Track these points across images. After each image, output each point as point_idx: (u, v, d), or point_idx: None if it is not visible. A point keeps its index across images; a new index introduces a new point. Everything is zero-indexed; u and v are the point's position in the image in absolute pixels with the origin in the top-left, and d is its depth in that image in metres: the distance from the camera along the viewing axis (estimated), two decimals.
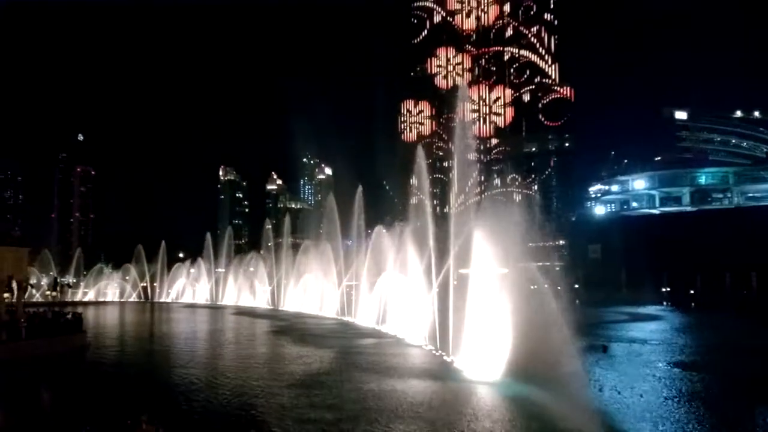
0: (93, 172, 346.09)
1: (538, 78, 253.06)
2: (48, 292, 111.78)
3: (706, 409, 25.61)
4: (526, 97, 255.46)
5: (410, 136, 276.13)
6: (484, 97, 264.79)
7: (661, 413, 24.78)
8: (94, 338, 51.04)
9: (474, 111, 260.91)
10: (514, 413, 23.89)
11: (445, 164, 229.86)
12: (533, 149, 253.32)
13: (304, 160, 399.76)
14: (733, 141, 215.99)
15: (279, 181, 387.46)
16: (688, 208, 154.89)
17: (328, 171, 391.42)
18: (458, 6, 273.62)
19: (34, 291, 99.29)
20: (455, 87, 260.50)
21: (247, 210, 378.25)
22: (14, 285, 47.20)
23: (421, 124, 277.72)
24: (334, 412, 24.09)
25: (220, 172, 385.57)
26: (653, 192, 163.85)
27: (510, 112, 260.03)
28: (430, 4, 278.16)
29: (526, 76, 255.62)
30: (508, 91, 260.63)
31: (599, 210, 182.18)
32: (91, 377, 35.62)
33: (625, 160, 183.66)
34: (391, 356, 40.84)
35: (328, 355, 41.69)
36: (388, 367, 36.14)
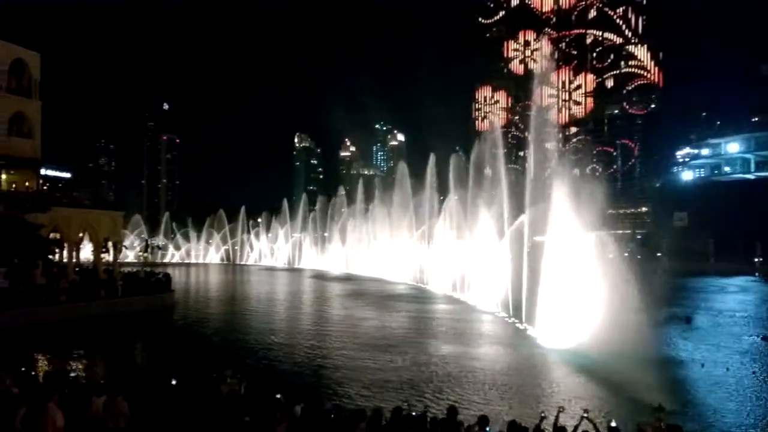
0: (177, 140, 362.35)
1: (623, 62, 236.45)
2: (140, 254, 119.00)
3: None
4: (610, 83, 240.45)
5: (484, 115, 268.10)
6: (564, 81, 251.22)
7: (749, 388, 23.59)
8: (182, 297, 54.25)
9: (553, 96, 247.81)
10: (590, 383, 23.44)
11: (521, 153, 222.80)
12: (615, 111, 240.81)
13: (377, 126, 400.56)
14: None
15: (352, 148, 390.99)
16: None
17: (401, 137, 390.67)
18: None
19: (127, 252, 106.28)
20: (532, 71, 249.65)
21: (321, 177, 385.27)
22: (110, 246, 50.68)
23: (496, 103, 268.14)
24: (406, 374, 24.55)
25: (295, 139, 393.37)
26: (748, 156, 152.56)
27: (591, 99, 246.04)
28: None
29: (610, 60, 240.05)
30: (590, 77, 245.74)
31: (687, 175, 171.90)
32: (180, 333, 38.02)
33: (718, 122, 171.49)
34: (464, 322, 40.96)
35: (400, 319, 42.32)
36: (460, 332, 36.31)
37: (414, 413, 11.92)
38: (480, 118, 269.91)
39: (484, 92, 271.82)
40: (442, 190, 78.19)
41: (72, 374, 16.37)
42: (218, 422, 11.21)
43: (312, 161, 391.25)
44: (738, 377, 25.28)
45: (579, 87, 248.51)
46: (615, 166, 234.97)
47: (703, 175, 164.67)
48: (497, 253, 48.29)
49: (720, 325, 40.87)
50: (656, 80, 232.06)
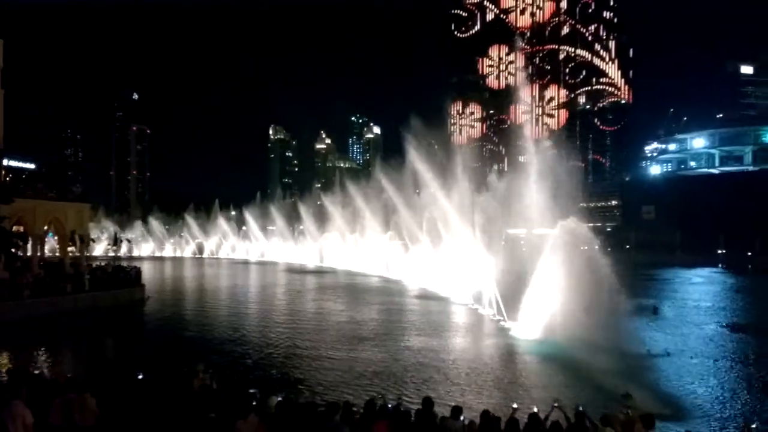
0: (148, 131, 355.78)
1: (595, 79, 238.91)
2: (108, 247, 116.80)
3: (759, 372, 24.91)
4: (582, 99, 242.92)
5: (460, 126, 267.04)
6: (537, 96, 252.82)
7: (713, 375, 24.24)
8: (153, 291, 53.34)
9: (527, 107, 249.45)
10: (560, 373, 23.76)
11: (496, 167, 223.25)
12: (587, 107, 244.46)
13: (353, 118, 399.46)
14: None
15: (328, 140, 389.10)
16: (750, 168, 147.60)
17: (377, 129, 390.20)
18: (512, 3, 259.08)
19: (95, 246, 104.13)
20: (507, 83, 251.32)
21: (296, 169, 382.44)
22: (77, 239, 49.51)
23: (472, 125, 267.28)
24: (381, 367, 24.58)
25: (270, 131, 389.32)
26: (713, 151, 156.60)
27: (564, 113, 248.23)
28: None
29: (582, 76, 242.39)
30: (563, 92, 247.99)
31: (654, 170, 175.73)
32: (150, 328, 37.43)
33: (684, 118, 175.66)
34: (437, 314, 41.16)
35: (374, 312, 42.33)
36: (435, 325, 36.46)
37: (389, 405, 11.94)
38: (454, 126, 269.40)
39: (458, 106, 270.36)
40: (419, 184, 78.16)
41: (36, 371, 15.99)
42: (190, 417, 11.06)
43: (287, 153, 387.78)
44: (702, 364, 25.99)
45: (552, 100, 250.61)
46: (587, 161, 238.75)
47: (670, 170, 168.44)
48: (471, 245, 48.57)
49: (685, 315, 41.90)
50: (627, 98, 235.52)
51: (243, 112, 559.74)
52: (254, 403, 11.41)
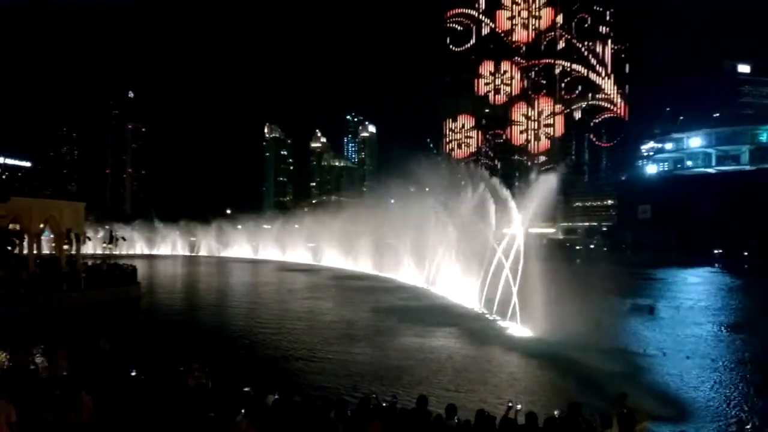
0: (143, 129, 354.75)
1: (591, 94, 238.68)
2: (104, 245, 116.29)
3: (754, 372, 24.96)
4: (578, 114, 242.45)
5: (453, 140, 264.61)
6: (533, 110, 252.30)
7: (709, 376, 24.28)
8: (148, 289, 53.22)
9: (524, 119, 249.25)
10: (556, 373, 23.77)
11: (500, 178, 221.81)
12: (584, 105, 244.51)
13: (348, 117, 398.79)
14: None
15: (323, 139, 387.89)
16: (747, 167, 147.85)
17: (372, 128, 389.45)
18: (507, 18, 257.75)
19: (90, 243, 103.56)
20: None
21: (291, 167, 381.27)
22: (73, 237, 49.26)
23: (462, 144, 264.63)
24: (375, 366, 24.56)
25: (265, 130, 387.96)
26: (710, 150, 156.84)
27: (560, 127, 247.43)
28: (476, 14, 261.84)
29: (578, 91, 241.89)
30: (558, 107, 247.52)
31: (651, 169, 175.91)
32: (146, 326, 37.33)
33: (681, 117, 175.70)
34: (433, 313, 41.04)
35: (368, 311, 42.23)
36: (431, 324, 36.36)
37: (383, 403, 11.92)
38: (450, 132, 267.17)
39: (461, 121, 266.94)
40: (413, 183, 78.15)
41: (32, 368, 15.93)
42: (185, 415, 11.04)
43: (282, 152, 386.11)
44: (698, 364, 26.01)
45: (550, 120, 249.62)
46: (582, 160, 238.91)
47: (666, 169, 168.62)
48: (466, 245, 48.48)
49: (681, 315, 41.89)
50: (622, 113, 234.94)
51: (238, 110, 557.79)
52: (247, 402, 11.39)
